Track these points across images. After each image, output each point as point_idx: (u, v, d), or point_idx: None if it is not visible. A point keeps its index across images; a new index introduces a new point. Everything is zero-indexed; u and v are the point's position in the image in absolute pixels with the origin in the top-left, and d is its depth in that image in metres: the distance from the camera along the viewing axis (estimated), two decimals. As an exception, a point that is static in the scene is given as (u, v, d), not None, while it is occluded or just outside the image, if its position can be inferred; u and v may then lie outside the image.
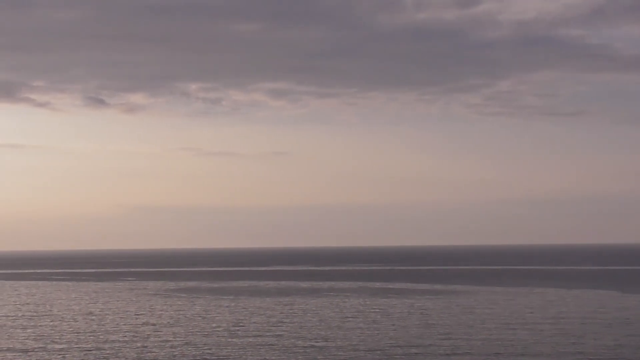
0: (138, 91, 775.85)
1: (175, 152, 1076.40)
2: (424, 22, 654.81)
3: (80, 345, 77.52)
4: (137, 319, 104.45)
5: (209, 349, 73.61)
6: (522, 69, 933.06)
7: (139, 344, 77.77)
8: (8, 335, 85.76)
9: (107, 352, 73.31)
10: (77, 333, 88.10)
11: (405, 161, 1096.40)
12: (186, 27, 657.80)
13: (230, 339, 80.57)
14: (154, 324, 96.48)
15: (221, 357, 68.91)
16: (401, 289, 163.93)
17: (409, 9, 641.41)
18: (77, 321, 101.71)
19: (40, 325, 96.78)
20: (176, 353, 71.64)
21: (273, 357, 68.56)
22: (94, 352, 73.23)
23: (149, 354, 71.55)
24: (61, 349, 75.36)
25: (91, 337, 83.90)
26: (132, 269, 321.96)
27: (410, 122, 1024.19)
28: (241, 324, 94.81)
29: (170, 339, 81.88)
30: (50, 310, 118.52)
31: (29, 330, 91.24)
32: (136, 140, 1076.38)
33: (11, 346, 77.56)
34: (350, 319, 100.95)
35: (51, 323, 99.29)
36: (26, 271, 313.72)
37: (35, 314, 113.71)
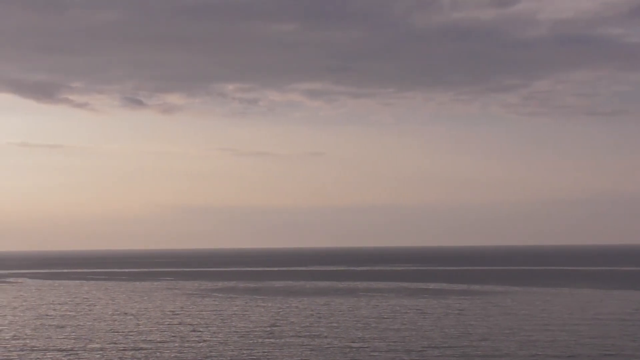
0: (175, 92, 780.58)
1: (212, 152, 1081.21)
2: (461, 21, 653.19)
3: (118, 345, 77.84)
4: (174, 318, 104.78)
5: (246, 349, 73.61)
6: (560, 69, 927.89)
7: (176, 344, 77.99)
8: (47, 335, 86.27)
9: (145, 352, 73.58)
10: (115, 333, 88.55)
11: (442, 162, 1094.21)
12: (223, 28, 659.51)
13: (266, 339, 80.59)
14: (191, 324, 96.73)
15: (258, 357, 68.90)
16: (437, 290, 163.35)
17: (446, 8, 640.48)
18: (115, 321, 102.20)
19: (78, 325, 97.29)
20: (213, 353, 71.71)
21: (310, 358, 68.48)
22: (131, 352, 73.53)
23: (186, 354, 71.69)
24: (100, 349, 75.67)
25: (129, 337, 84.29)
26: (169, 269, 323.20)
27: (447, 122, 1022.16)
28: (277, 324, 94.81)
29: (207, 338, 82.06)
30: (89, 310, 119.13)
31: (67, 330, 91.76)
32: (173, 140, 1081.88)
33: (50, 346, 78.04)
34: (386, 319, 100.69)
35: (89, 323, 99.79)
36: (64, 271, 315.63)
37: (73, 313, 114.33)
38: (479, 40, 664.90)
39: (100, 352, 73.57)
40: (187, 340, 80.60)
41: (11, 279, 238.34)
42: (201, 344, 78.15)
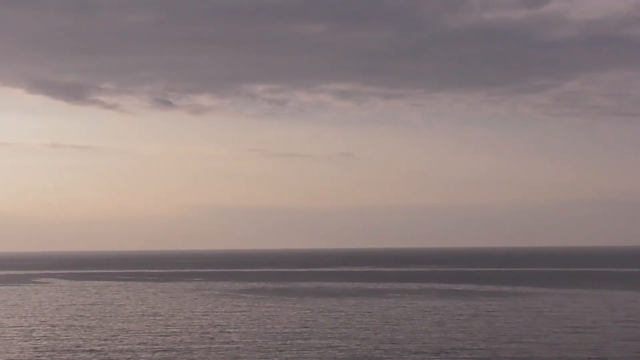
0: (204, 93, 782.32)
1: (242, 153, 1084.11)
2: (491, 22, 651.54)
3: (147, 346, 78.22)
4: (203, 319, 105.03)
5: (276, 351, 73.80)
6: (590, 69, 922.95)
7: (205, 345, 78.21)
8: (78, 336, 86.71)
9: (175, 353, 73.85)
10: (145, 334, 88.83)
11: (472, 162, 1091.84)
12: (252, 29, 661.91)
13: (296, 341, 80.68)
14: (220, 325, 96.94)
15: (287, 359, 69.08)
16: (467, 291, 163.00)
17: (476, 9, 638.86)
18: (145, 322, 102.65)
19: (108, 326, 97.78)
20: (243, 355, 71.90)
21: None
22: (161, 352, 73.81)
23: (215, 355, 72.00)
24: (129, 350, 76.05)
25: (159, 338, 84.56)
26: (199, 270, 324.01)
27: (477, 122, 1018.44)
28: (307, 326, 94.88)
29: (237, 340, 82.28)
30: (118, 311, 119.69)
31: (98, 331, 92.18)
32: (203, 141, 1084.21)
33: (80, 346, 78.45)
34: (415, 320, 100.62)
35: (119, 324, 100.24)
36: (94, 271, 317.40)
37: (103, 314, 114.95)
38: (509, 41, 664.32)
39: (131, 353, 73.91)
40: (217, 342, 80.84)
41: (42, 279, 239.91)
42: (230, 345, 78.37)
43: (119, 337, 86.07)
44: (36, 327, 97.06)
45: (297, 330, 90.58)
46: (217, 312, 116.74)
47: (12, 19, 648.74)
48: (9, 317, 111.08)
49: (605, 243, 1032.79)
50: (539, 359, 67.72)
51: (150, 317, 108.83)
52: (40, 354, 73.14)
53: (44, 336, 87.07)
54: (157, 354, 72.83)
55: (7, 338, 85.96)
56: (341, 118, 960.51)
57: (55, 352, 74.68)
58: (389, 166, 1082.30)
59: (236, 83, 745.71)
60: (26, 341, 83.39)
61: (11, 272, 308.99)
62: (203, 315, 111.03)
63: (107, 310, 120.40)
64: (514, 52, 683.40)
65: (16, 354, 73.48)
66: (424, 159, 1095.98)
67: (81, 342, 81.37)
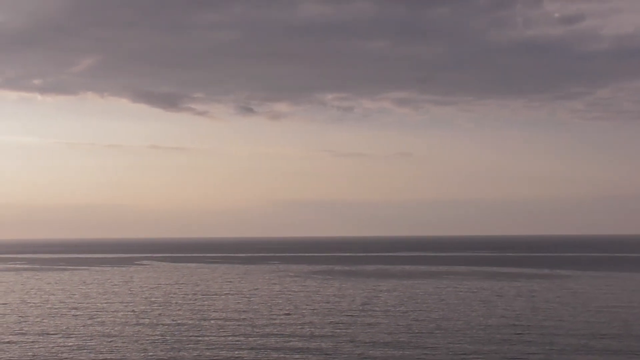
0: (282, 101, 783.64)
1: (314, 153, 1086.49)
2: (533, 37, 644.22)
3: (230, 322, 78.15)
4: (279, 297, 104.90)
5: (341, 326, 73.33)
6: (620, 78, 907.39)
7: (281, 320, 77.97)
8: (169, 312, 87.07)
9: (254, 326, 73.58)
10: (229, 311, 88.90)
11: (514, 161, 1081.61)
12: (323, 45, 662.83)
13: (359, 318, 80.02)
14: (293, 302, 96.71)
15: (351, 334, 68.32)
16: (511, 273, 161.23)
17: (519, 26, 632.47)
18: (228, 300, 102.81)
19: (197, 303, 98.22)
20: (316, 328, 71.60)
21: (399, 336, 67.89)
22: (242, 326, 73.83)
23: (292, 328, 71.71)
24: (214, 325, 76.01)
25: (243, 314, 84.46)
26: (276, 254, 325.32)
27: (519, 126, 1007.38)
28: (369, 304, 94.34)
29: (308, 314, 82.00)
30: (207, 290, 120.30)
31: (185, 307, 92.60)
32: (280, 143, 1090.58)
33: (173, 322, 78.59)
34: (465, 299, 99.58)
35: (207, 302, 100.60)
36: (187, 255, 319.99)
37: (192, 293, 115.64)
38: (548, 54, 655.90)
39: (216, 327, 73.72)
40: (292, 317, 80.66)
41: (143, 262, 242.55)
42: (304, 319, 78.06)
43: (206, 313, 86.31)
44: (139, 303, 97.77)
45: (361, 307, 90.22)
46: (291, 290, 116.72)
47: (118, 38, 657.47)
48: (114, 293, 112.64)
49: (632, 232, 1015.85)
50: (576, 335, 66.38)
51: (234, 296, 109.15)
52: (142, 328, 72.75)
53: (143, 310, 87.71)
54: (240, 329, 72.74)
55: (112, 310, 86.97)
56: (400, 122, 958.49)
57: (152, 325, 74.49)
58: (443, 164, 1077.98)
59: (309, 92, 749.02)
60: (125, 314, 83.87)
61: (118, 256, 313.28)
62: (279, 293, 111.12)
63: (196, 290, 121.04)
64: (552, 63, 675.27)
65: (119, 326, 74.31)
66: (472, 158, 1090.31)
67: (174, 319, 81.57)
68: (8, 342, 63.45)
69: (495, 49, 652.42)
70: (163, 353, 57.23)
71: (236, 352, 57.47)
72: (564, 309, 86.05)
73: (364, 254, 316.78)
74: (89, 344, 62.33)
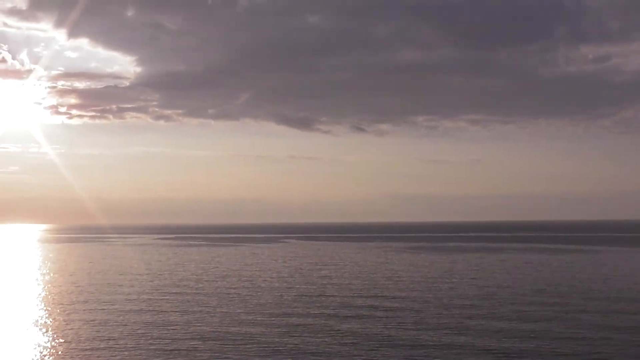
0: (385, 122, 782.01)
1: (409, 160, 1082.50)
2: (572, 72, 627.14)
3: (350, 285, 78.92)
4: (383, 266, 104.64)
5: (429, 288, 72.65)
6: (639, 102, 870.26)
7: (386, 282, 77.81)
8: (303, 278, 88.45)
9: (361, 286, 73.05)
10: (350, 278, 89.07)
11: (559, 164, 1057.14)
12: (416, 80, 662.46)
13: (442, 284, 78.58)
14: (394, 270, 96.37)
15: (434, 298, 68.41)
16: (557, 249, 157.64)
17: (562, 64, 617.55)
18: (345, 268, 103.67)
19: (322, 271, 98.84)
20: (409, 291, 71.37)
21: (468, 299, 67.62)
22: (355, 285, 74.69)
23: (394, 286, 71.61)
24: (343, 286, 75.94)
25: (357, 279, 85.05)
26: (381, 235, 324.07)
27: (563, 139, 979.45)
28: (450, 272, 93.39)
29: (405, 281, 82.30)
30: (330, 261, 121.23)
31: (315, 275, 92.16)
32: (384, 153, 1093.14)
33: (311, 287, 79.10)
34: (517, 269, 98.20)
35: (324, 271, 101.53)
36: (316, 235, 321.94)
37: (322, 262, 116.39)
38: (584, 84, 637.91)
39: (338, 287, 74.07)
40: (392, 280, 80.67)
41: (285, 240, 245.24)
42: (399, 284, 77.83)
43: (330, 280, 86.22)
44: (276, 271, 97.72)
45: (440, 274, 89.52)
46: (391, 261, 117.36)
47: (266, 78, 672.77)
48: (258, 263, 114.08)
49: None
50: (600, 297, 65.21)
51: (352, 265, 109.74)
52: (273, 293, 69.99)
53: (285, 273, 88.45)
54: (363, 291, 71.70)
55: (261, 277, 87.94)
56: (473, 137, 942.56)
57: (278, 290, 72.65)
58: (504, 168, 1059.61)
59: (405, 115, 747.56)
60: (263, 280, 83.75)
61: (268, 235, 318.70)
62: (382, 263, 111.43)
63: (323, 262, 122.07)
64: (587, 92, 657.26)
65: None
66: (527, 163, 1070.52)
67: (307, 285, 79.84)
68: (208, 293, 66.06)
69: (544, 81, 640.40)
70: (308, 298, 58.49)
71: (357, 300, 58.84)
72: (596, 277, 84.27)
73: (446, 234, 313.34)
74: (263, 284, 64.84)
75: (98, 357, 37.56)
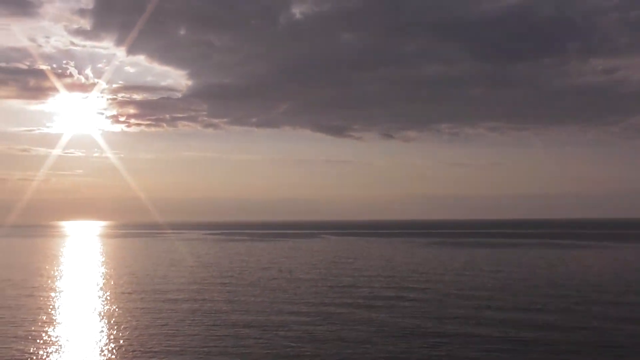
0: (411, 129, 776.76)
1: (433, 164, 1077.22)
2: (583, 83, 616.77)
3: (379, 277, 77.84)
4: (405, 257, 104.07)
5: (444, 285, 71.99)
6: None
7: (402, 273, 77.67)
8: (337, 270, 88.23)
9: (386, 274, 72.55)
10: (379, 270, 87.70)
11: (571, 167, 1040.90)
12: (440, 92, 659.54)
13: (455, 277, 76.75)
14: (419, 263, 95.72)
15: (449, 289, 66.42)
16: (590, 245, 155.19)
17: (574, 76, 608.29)
18: (374, 261, 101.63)
19: (353, 263, 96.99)
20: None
21: (486, 291, 66.67)
22: (378, 274, 74.16)
23: (411, 276, 71.34)
24: (367, 276, 76.14)
25: (385, 272, 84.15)
26: (406, 231, 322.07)
27: (575, 144, 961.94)
28: (468, 265, 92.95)
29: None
30: (361, 255, 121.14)
31: (348, 266, 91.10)
32: (410, 158, 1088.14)
33: (344, 278, 78.41)
34: (554, 265, 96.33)
35: (360, 262, 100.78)
36: (350, 231, 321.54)
37: (353, 257, 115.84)
38: (594, 94, 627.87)
39: (368, 283, 72.67)
40: (417, 273, 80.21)
41: (321, 236, 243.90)
42: (423, 275, 76.34)
43: (392, 272, 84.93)
44: (312, 263, 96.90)
45: (461, 266, 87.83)
46: (415, 255, 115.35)
47: (304, 90, 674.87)
48: (296, 256, 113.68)
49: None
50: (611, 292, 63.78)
51: (378, 258, 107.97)
52: (316, 285, 68.44)
53: (316, 265, 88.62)
54: (382, 282, 71.26)
55: (298, 269, 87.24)
56: (492, 143, 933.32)
57: (314, 281, 71.23)
58: (521, 170, 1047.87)
59: (429, 123, 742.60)
60: (293, 271, 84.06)
61: (305, 231, 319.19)
62: (408, 256, 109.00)
63: (351, 255, 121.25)
64: (597, 101, 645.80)
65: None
66: (541, 166, 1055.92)
67: (338, 274, 78.99)
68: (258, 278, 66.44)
69: (557, 92, 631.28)
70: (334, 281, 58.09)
71: (384, 291, 58.29)
72: (610, 270, 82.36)
73: (466, 231, 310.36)
74: (301, 276, 64.64)
75: (154, 341, 37.78)
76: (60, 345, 36.77)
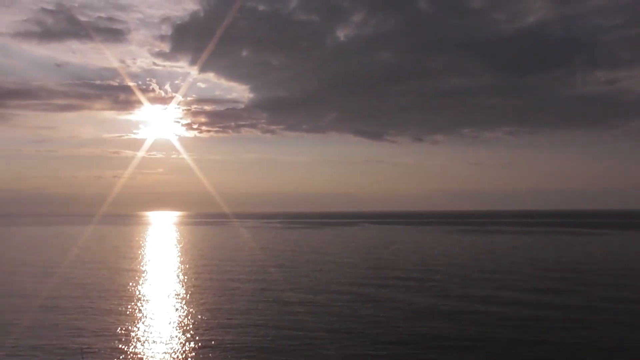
0: (438, 133, 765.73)
1: (457, 163, 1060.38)
2: (588, 92, 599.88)
3: (411, 260, 74.94)
4: (436, 244, 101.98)
5: (465, 269, 69.17)
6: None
7: (428, 262, 76.05)
8: (375, 254, 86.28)
9: (419, 265, 70.70)
10: (411, 254, 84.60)
11: (576, 166, 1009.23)
12: (462, 102, 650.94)
13: (476, 260, 73.49)
14: (445, 248, 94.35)
15: (470, 272, 63.81)
16: (572, 232, 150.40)
17: (580, 86, 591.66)
18: (407, 246, 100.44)
19: (389, 248, 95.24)
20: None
21: (501, 273, 64.67)
22: (405, 260, 71.31)
23: (456, 256, 69.74)
24: (401, 258, 74.60)
25: (416, 255, 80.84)
26: (436, 220, 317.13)
27: (580, 145, 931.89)
28: (487, 250, 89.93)
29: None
30: (396, 240, 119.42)
31: (385, 252, 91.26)
32: (437, 158, 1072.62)
33: (381, 261, 77.53)
34: (588, 250, 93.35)
35: (390, 248, 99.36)
36: (395, 220, 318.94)
37: (389, 243, 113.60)
38: (598, 102, 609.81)
39: (403, 265, 70.52)
40: (445, 256, 78.21)
41: (362, 225, 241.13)
42: (448, 258, 74.11)
43: (395, 254, 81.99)
44: (354, 248, 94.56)
45: (481, 250, 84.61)
46: (441, 240, 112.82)
47: (346, 102, 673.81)
48: (340, 242, 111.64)
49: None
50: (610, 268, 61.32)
51: (411, 243, 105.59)
52: (364, 271, 65.08)
53: (357, 249, 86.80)
54: (414, 265, 68.71)
55: (342, 253, 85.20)
56: (507, 144, 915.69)
57: (355, 264, 69.16)
58: (532, 168, 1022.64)
59: (454, 128, 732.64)
60: (323, 258, 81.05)
61: (347, 220, 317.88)
62: (436, 242, 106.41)
63: (388, 240, 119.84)
64: (600, 108, 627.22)
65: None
66: (551, 164, 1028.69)
67: (376, 258, 76.89)
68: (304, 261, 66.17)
69: (565, 100, 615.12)
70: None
71: (414, 273, 56.43)
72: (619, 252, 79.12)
73: (485, 220, 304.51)
74: (345, 260, 63.73)
75: (221, 317, 37.99)
76: (144, 315, 37.18)
